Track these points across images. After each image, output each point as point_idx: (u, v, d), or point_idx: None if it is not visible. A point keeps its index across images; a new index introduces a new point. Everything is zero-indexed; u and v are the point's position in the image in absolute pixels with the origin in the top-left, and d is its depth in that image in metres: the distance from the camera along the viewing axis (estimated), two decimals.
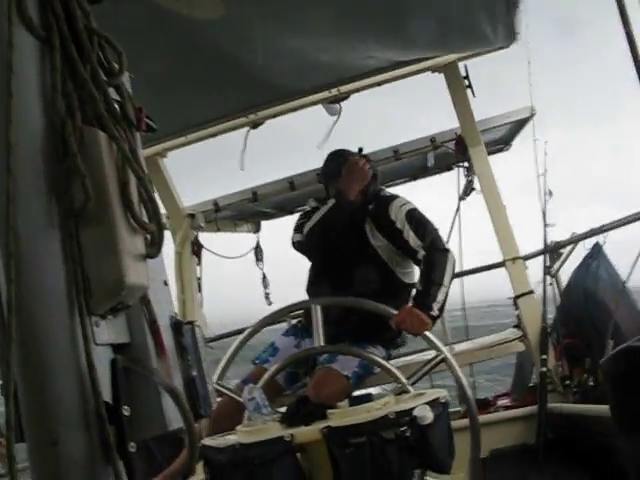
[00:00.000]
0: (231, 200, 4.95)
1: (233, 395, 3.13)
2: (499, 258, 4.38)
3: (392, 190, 3.95)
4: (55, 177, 1.02)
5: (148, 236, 1.15)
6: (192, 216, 4.79)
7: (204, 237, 5.04)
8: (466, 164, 4.55)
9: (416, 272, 3.61)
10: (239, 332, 3.58)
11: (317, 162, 4.13)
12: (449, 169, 4.90)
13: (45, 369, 0.97)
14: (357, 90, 4.25)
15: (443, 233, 3.61)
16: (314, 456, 2.41)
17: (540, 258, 4.30)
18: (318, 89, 4.15)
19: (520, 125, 4.64)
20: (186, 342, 1.24)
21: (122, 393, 1.05)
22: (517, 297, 4.20)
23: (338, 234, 3.50)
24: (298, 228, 3.64)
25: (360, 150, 3.71)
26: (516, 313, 4.26)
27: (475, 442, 2.82)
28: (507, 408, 4.17)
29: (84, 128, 1.06)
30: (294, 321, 3.82)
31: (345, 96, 4.29)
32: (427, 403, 2.39)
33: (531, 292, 4.19)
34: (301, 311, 3.65)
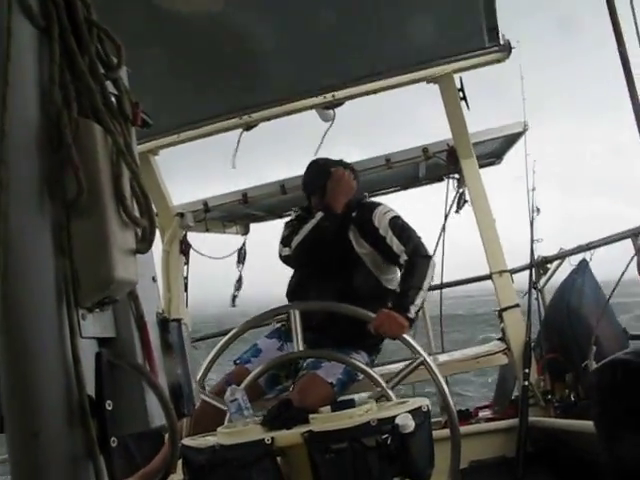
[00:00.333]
0: (221, 201, 4.94)
1: (213, 402, 3.11)
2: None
3: (383, 199, 3.97)
4: (49, 167, 1.01)
5: (139, 232, 1.14)
6: (181, 215, 4.79)
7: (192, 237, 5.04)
8: (457, 176, 4.57)
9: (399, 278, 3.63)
10: (224, 333, 3.57)
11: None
12: (440, 180, 4.91)
13: (29, 359, 0.95)
14: (352, 97, 4.26)
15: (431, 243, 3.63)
16: (294, 460, 2.40)
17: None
18: (313, 93, 4.16)
19: (512, 139, 4.66)
20: (172, 340, 1.23)
21: (106, 387, 1.04)
22: (502, 310, 4.21)
23: (326, 246, 3.52)
24: (285, 241, 3.65)
25: (341, 160, 3.74)
26: (501, 326, 4.28)
27: (455, 453, 2.82)
28: (488, 420, 4.18)
29: (80, 120, 1.05)
30: (278, 324, 3.82)
31: (340, 102, 4.30)
32: (409, 412, 2.40)
33: (517, 305, 4.21)
34: (285, 314, 3.64)
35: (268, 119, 4.38)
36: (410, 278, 3.31)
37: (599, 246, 3.98)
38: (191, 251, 4.96)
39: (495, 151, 4.96)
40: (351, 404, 2.59)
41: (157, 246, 4.65)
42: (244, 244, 5.32)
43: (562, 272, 4.33)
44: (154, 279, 1.27)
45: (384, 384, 3.00)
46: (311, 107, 4.31)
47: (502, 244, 4.31)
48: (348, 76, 4.03)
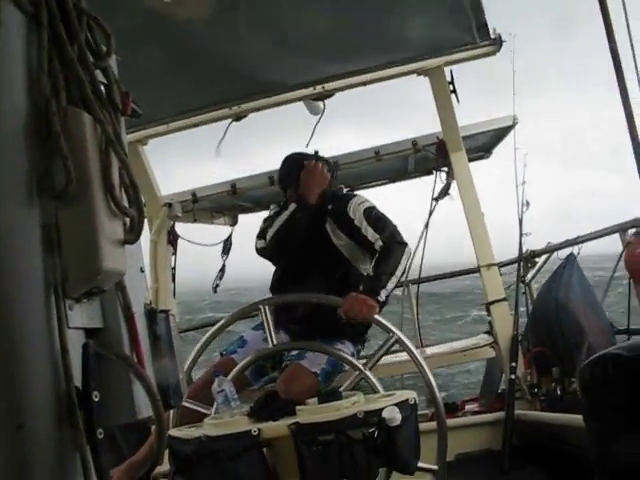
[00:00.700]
0: (210, 192, 4.92)
1: (194, 407, 3.12)
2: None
3: (372, 191, 3.96)
4: (37, 157, 1.00)
5: (127, 222, 1.13)
6: (169, 205, 4.77)
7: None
8: (446, 169, 4.57)
9: None
10: (210, 325, 3.57)
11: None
12: (429, 173, 4.89)
13: (15, 349, 0.94)
14: (342, 89, 4.25)
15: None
16: (280, 452, 2.40)
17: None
18: (303, 85, 4.15)
19: (502, 133, 4.66)
20: (160, 331, 1.22)
21: (92, 378, 1.03)
22: (490, 303, 4.23)
23: (300, 237, 3.53)
24: (261, 234, 3.66)
25: (316, 153, 3.73)
26: (488, 319, 4.29)
27: (442, 445, 2.83)
28: (475, 413, 4.20)
29: (69, 109, 1.04)
30: None
31: (330, 94, 4.29)
32: (396, 404, 2.40)
33: (504, 299, 4.22)
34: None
35: (258, 110, 4.37)
36: (384, 263, 3.30)
37: (587, 240, 4.00)
38: (179, 241, 4.95)
39: (485, 145, 4.96)
40: (338, 396, 2.59)
41: (145, 236, 4.63)
42: (230, 235, 5.33)
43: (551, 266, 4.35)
44: (142, 270, 1.27)
45: (361, 367, 3.02)
46: (300, 98, 4.30)
47: (490, 237, 4.32)
48: (338, 68, 4.02)
